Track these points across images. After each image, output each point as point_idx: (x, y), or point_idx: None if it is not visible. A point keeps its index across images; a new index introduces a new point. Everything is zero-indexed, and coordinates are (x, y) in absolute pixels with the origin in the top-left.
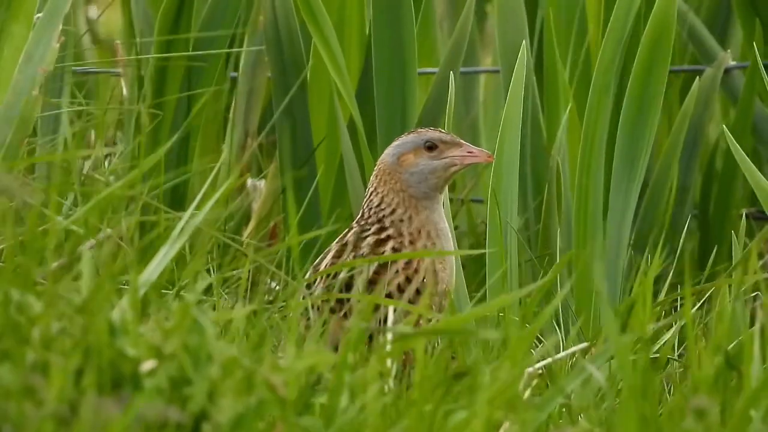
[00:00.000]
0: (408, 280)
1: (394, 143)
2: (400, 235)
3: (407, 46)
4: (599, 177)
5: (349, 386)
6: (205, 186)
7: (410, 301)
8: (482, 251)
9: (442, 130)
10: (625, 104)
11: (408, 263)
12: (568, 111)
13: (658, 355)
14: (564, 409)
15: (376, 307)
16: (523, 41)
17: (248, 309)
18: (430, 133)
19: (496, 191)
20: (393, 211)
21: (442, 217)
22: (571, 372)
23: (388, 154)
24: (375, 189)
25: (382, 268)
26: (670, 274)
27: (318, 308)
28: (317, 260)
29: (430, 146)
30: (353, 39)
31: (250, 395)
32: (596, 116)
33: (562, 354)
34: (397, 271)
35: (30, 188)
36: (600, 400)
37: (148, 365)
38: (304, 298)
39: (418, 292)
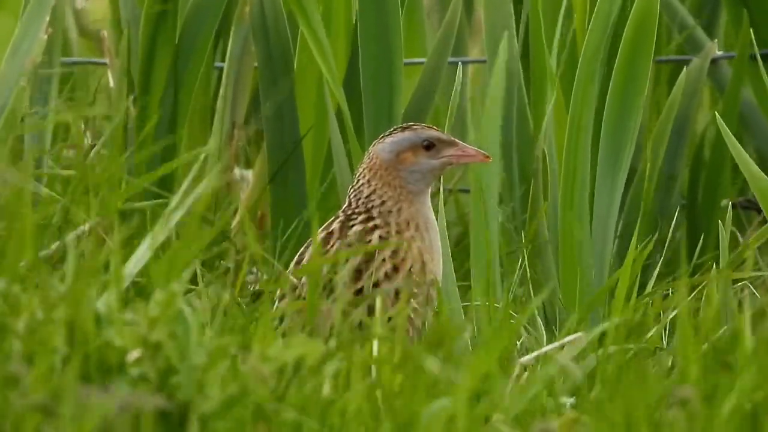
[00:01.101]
0: (395, 268)
1: (390, 138)
2: (387, 224)
3: (393, 36)
4: (586, 166)
5: (333, 375)
6: (191, 174)
7: (397, 291)
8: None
9: (436, 128)
10: (610, 93)
11: (395, 252)
12: (554, 99)
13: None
14: (551, 398)
15: (359, 292)
16: (506, 32)
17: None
18: (428, 132)
19: (480, 181)
20: (383, 203)
21: (430, 209)
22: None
23: (384, 150)
24: (368, 181)
25: (369, 256)
26: (658, 265)
27: (305, 297)
28: (301, 249)
29: (428, 145)
30: (340, 28)
31: (237, 385)
32: (582, 105)
33: (550, 346)
34: (384, 260)
35: (17, 178)
36: (586, 389)
37: (134, 355)
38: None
39: (404, 281)
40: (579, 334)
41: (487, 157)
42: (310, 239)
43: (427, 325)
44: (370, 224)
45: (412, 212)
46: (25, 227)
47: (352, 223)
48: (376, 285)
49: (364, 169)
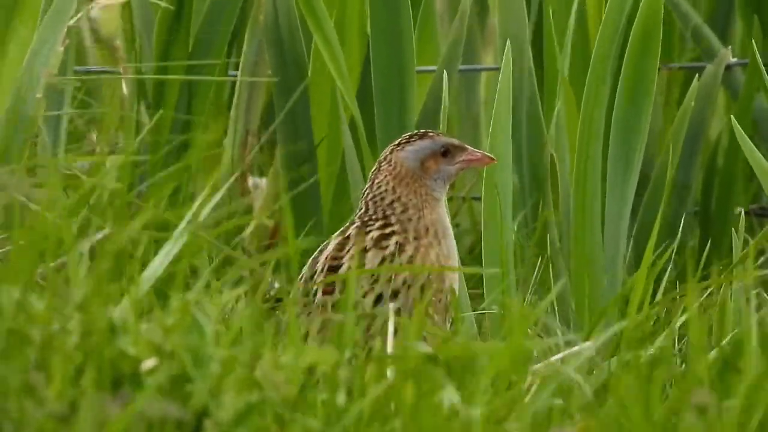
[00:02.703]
0: (413, 276)
1: (410, 147)
2: (405, 231)
3: (405, 45)
4: (597, 170)
5: (347, 383)
6: (208, 188)
7: (415, 299)
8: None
9: (446, 134)
10: (618, 96)
11: (412, 258)
12: (560, 103)
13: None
14: (562, 406)
15: (378, 300)
16: (510, 41)
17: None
18: (443, 138)
19: (491, 189)
20: (404, 211)
21: (446, 216)
22: (561, 374)
23: (407, 158)
24: (392, 188)
25: (386, 263)
26: (667, 271)
27: (321, 305)
28: (315, 253)
29: (445, 152)
30: (353, 37)
31: (252, 393)
32: (593, 108)
33: (562, 354)
34: (401, 265)
35: (31, 188)
36: (598, 397)
37: (148, 364)
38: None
39: (422, 289)
40: (588, 343)
41: (493, 159)
42: (323, 243)
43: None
44: (388, 230)
45: (433, 219)
46: (41, 236)
47: (368, 228)
48: (395, 292)
49: (386, 177)
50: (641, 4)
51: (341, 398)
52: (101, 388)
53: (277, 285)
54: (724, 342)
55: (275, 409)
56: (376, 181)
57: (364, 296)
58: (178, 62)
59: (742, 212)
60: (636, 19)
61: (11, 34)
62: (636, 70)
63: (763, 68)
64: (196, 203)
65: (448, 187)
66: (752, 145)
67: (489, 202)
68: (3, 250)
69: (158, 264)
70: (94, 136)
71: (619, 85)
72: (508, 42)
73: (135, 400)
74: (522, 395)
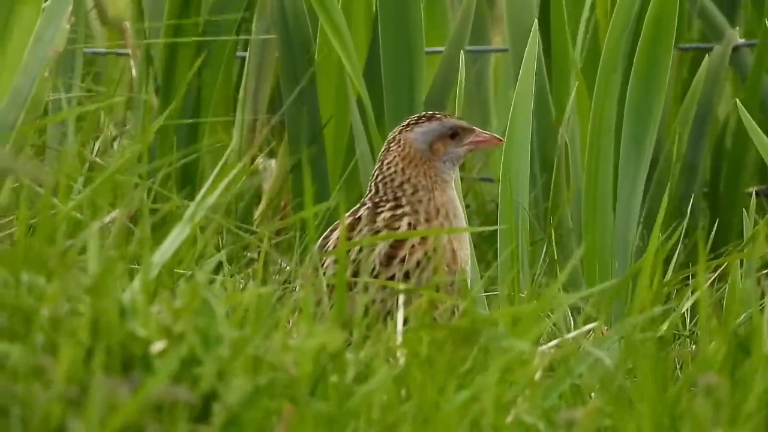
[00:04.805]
0: (426, 255)
1: (419, 129)
2: (416, 212)
3: (413, 25)
4: (609, 154)
5: (358, 365)
6: (217, 168)
7: (428, 279)
8: (492, 228)
9: (454, 115)
10: (631, 82)
11: (424, 240)
12: (575, 88)
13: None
14: (574, 388)
15: (390, 280)
16: (534, 21)
17: (259, 285)
18: (452, 120)
19: (508, 171)
20: (414, 192)
21: (456, 197)
22: (581, 353)
23: (416, 140)
24: (402, 170)
25: (399, 242)
26: (676, 252)
27: (331, 285)
28: (326, 232)
29: (453, 134)
30: (360, 17)
31: (261, 375)
32: (605, 94)
33: (573, 333)
34: (413, 246)
35: (40, 170)
36: (610, 379)
37: (158, 346)
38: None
39: (435, 270)
40: (596, 323)
41: (501, 140)
42: (335, 223)
43: (456, 314)
44: (399, 211)
45: (444, 200)
46: (51, 219)
47: (380, 210)
48: (407, 274)
49: (395, 158)
50: None
51: (350, 378)
52: (111, 370)
53: (287, 266)
54: (735, 323)
55: (284, 392)
56: (386, 162)
57: (376, 276)
58: (187, 45)
59: (754, 193)
60: (650, 6)
61: (16, 13)
62: (649, 57)
63: None
64: (206, 185)
65: (455, 168)
66: (759, 129)
67: (505, 185)
68: (8, 231)
69: (168, 246)
70: (101, 116)
71: (632, 72)
72: (536, 22)
73: (145, 384)
74: (533, 374)
